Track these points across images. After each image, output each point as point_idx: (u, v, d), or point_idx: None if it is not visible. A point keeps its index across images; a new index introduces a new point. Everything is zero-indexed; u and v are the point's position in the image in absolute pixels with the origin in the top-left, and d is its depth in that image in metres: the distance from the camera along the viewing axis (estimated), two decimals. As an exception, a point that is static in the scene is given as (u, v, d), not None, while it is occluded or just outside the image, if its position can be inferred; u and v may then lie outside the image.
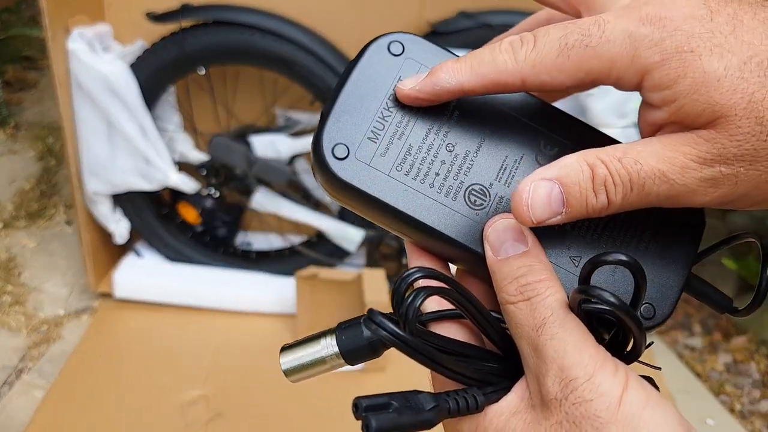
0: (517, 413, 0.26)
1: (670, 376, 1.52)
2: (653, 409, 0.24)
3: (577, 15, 0.29)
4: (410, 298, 0.25)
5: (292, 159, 1.53)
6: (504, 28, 1.56)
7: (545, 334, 0.25)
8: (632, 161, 0.25)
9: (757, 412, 1.49)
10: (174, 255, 1.63)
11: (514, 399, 0.27)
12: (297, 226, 1.65)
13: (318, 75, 1.38)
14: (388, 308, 0.28)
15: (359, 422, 0.25)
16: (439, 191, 0.29)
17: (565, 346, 0.25)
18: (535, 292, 0.26)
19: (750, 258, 1.66)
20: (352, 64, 0.30)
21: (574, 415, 0.24)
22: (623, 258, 0.24)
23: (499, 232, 0.28)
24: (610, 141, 0.30)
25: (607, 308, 0.24)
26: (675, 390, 1.48)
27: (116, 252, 1.66)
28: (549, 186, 0.26)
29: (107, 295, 1.60)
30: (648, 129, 0.27)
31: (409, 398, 0.26)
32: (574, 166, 0.26)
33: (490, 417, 0.27)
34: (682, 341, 1.67)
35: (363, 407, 0.25)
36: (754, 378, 1.56)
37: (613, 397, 0.24)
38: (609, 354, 0.25)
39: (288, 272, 1.59)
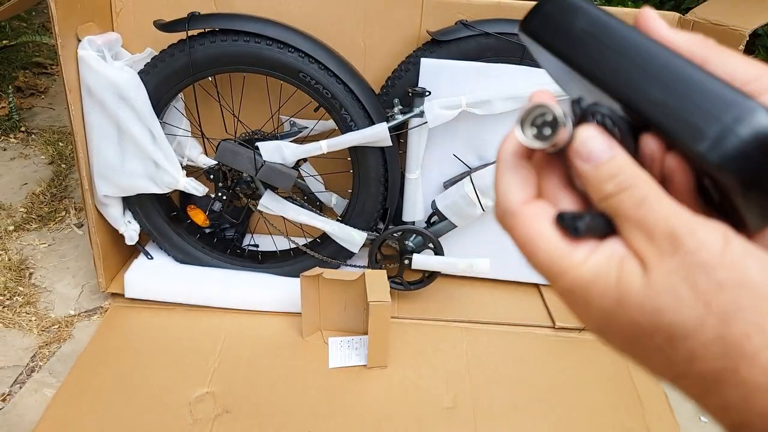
0: (627, 256, 0.30)
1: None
2: (757, 258, 0.27)
3: None
4: None
5: (297, 164, 1.55)
6: (503, 36, 1.57)
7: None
8: None
9: (752, 410, 1.50)
10: (182, 256, 1.65)
11: (621, 247, 0.30)
12: (302, 229, 1.68)
13: (322, 82, 1.40)
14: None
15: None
16: None
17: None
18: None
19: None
20: None
21: (684, 265, 0.27)
22: None
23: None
24: None
25: None
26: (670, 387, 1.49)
27: (126, 253, 1.69)
28: None
29: (117, 296, 1.62)
30: None
31: None
32: None
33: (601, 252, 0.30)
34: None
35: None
36: (750, 377, 1.58)
37: (717, 247, 0.27)
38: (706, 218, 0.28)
39: (293, 273, 1.61)
